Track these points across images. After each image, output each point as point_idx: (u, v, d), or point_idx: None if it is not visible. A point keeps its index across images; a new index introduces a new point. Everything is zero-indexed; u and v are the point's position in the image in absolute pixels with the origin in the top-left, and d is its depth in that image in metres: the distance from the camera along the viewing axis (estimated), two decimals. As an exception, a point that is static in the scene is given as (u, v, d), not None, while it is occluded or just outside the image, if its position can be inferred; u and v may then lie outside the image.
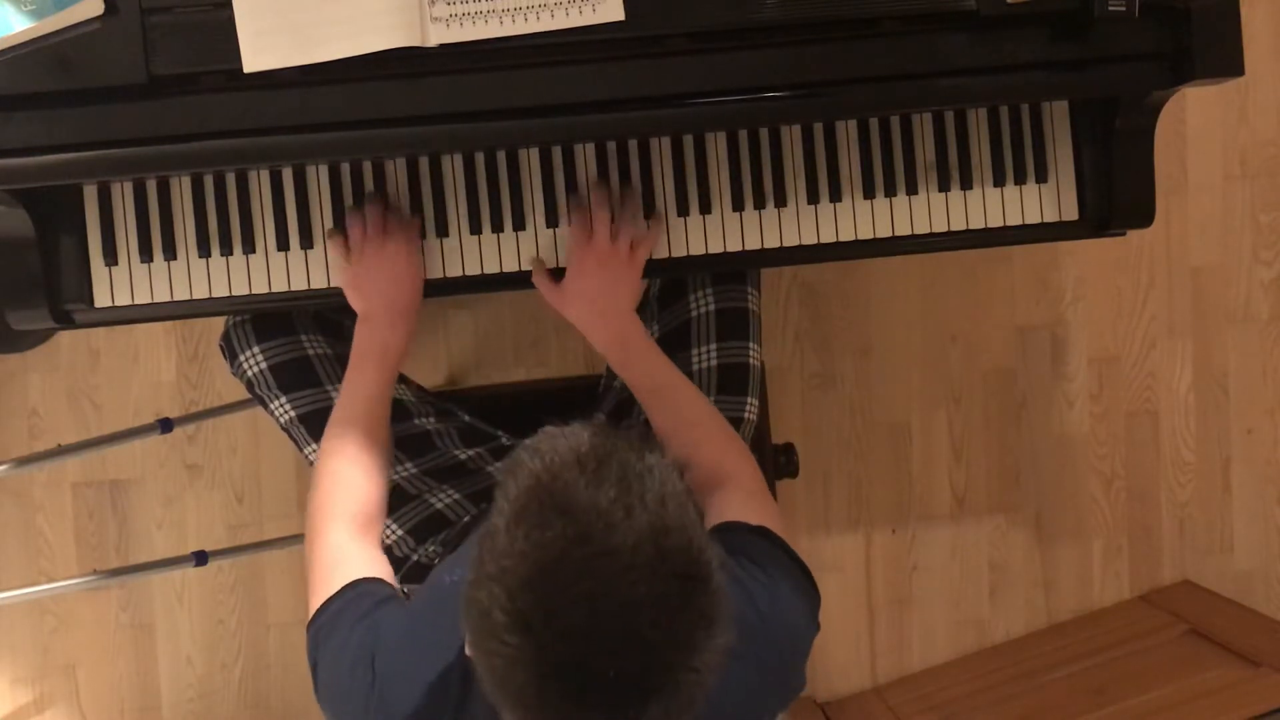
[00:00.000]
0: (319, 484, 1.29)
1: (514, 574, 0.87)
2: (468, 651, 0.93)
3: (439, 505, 1.51)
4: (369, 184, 1.40)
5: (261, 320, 1.48)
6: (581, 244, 1.35)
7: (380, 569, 1.22)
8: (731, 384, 1.48)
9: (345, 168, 1.40)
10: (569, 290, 1.36)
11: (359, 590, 1.16)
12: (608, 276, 1.34)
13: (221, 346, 1.52)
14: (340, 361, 1.49)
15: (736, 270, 1.52)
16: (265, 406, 1.50)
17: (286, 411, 1.47)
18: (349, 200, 1.40)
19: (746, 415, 1.49)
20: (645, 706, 0.88)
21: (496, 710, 0.92)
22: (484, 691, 0.92)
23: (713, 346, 1.50)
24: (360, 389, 1.34)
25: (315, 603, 1.18)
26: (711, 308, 1.51)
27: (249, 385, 1.50)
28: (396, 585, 1.22)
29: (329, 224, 1.40)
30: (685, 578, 0.88)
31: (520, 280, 1.42)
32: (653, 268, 1.42)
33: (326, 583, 1.18)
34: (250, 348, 1.47)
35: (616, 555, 0.86)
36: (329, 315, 1.53)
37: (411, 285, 1.36)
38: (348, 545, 1.23)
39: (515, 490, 0.90)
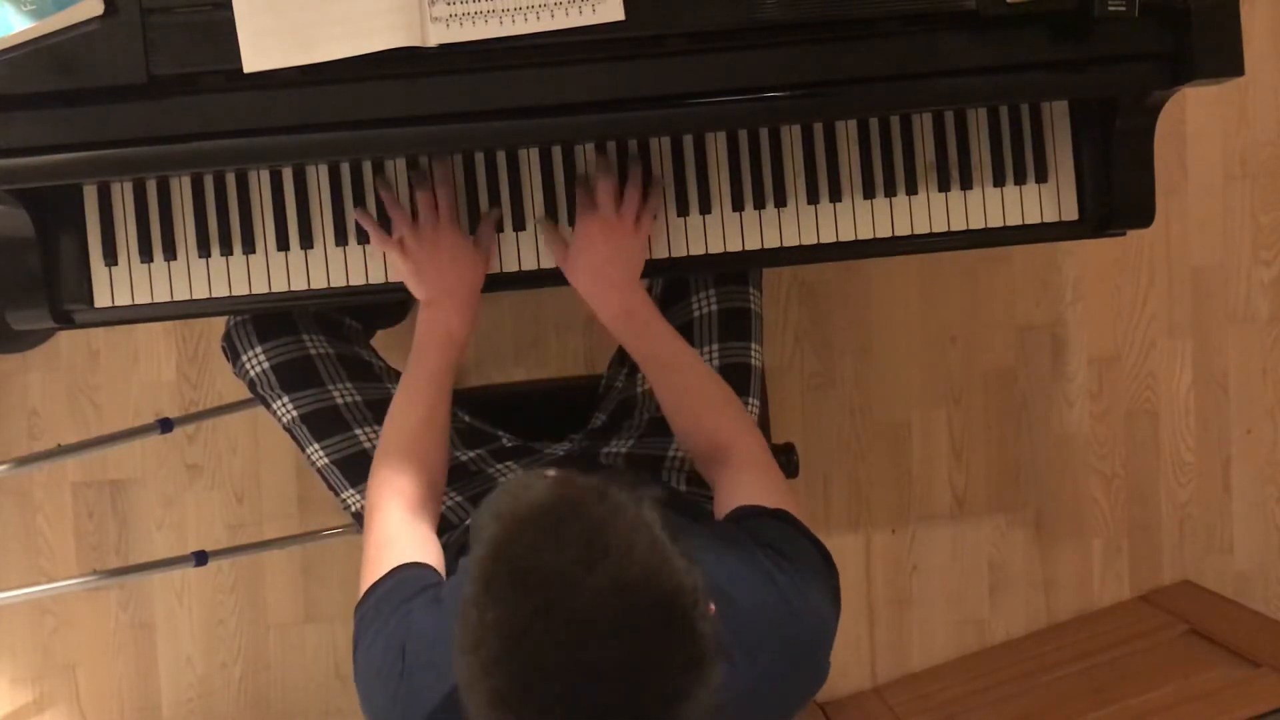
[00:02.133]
0: (378, 464, 1.32)
1: (486, 649, 0.86)
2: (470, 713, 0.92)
3: (441, 508, 1.51)
4: (369, 184, 1.40)
5: (263, 320, 1.48)
6: (587, 215, 1.35)
7: (430, 551, 1.24)
8: (734, 385, 1.47)
9: (345, 168, 1.40)
10: (576, 261, 1.36)
11: (402, 577, 1.18)
12: (612, 246, 1.34)
13: (223, 347, 1.52)
14: (341, 361, 1.50)
15: (738, 271, 1.52)
16: (268, 406, 1.50)
17: (289, 411, 1.47)
18: (349, 200, 1.40)
19: (749, 413, 1.49)
20: None
21: None
22: None
23: (715, 347, 1.50)
24: (422, 372, 1.34)
25: (365, 584, 1.20)
26: (714, 308, 1.51)
27: (251, 385, 1.50)
28: (443, 569, 1.23)
29: (329, 224, 1.40)
30: (661, 630, 0.86)
31: (521, 280, 1.42)
32: (652, 268, 1.42)
33: (376, 563, 1.21)
34: (253, 347, 1.47)
35: (581, 623, 0.84)
36: (329, 315, 1.53)
37: (471, 267, 1.35)
38: (400, 525, 1.25)
39: (479, 556, 0.89)
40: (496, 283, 1.42)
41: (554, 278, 1.42)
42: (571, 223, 1.40)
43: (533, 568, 0.85)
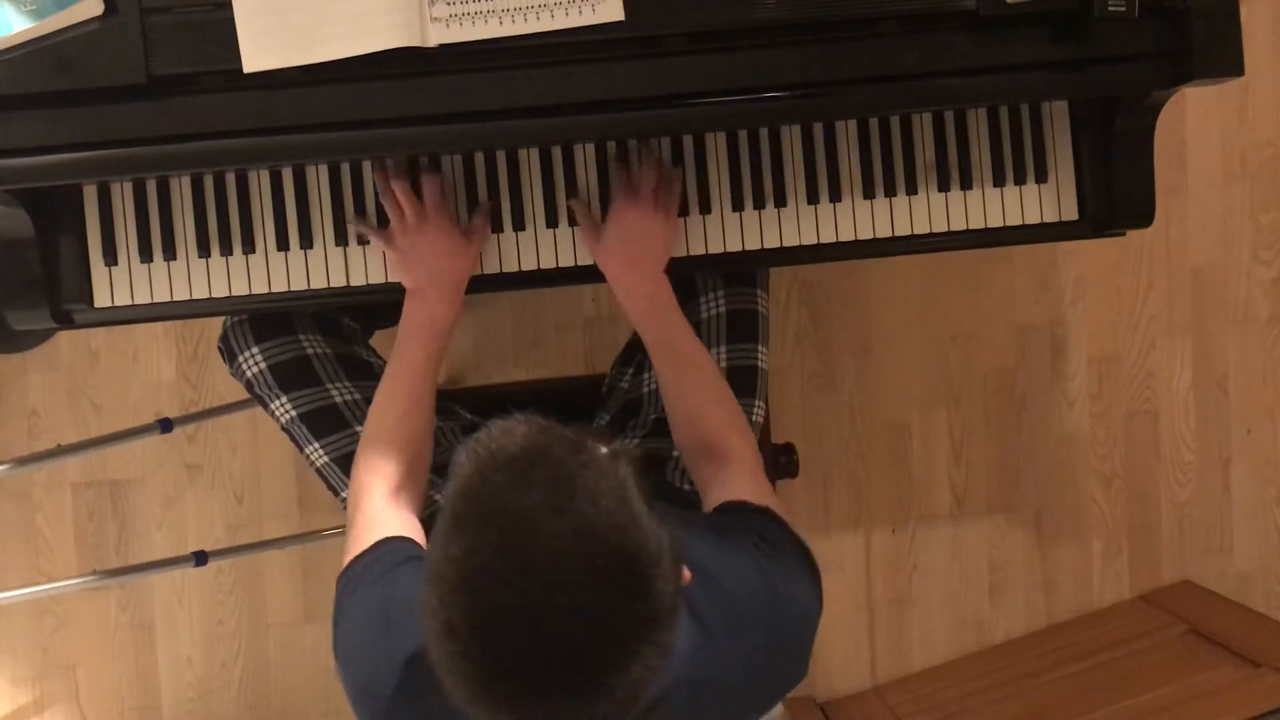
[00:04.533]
0: (361, 451, 1.33)
1: (446, 580, 0.88)
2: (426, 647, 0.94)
3: (423, 495, 1.52)
4: (369, 184, 1.40)
5: (260, 320, 1.48)
6: (624, 198, 1.36)
7: (412, 530, 1.25)
8: (740, 386, 1.48)
9: (345, 168, 1.40)
10: (607, 241, 1.36)
11: (386, 548, 1.19)
12: (645, 231, 1.35)
13: (220, 347, 1.52)
14: (339, 361, 1.50)
15: (738, 270, 1.52)
16: (265, 407, 1.50)
17: (287, 411, 1.47)
18: (349, 200, 1.40)
19: (754, 418, 1.50)
20: (580, 714, 0.88)
21: None
22: None
23: (722, 349, 1.50)
24: (405, 363, 1.35)
25: (347, 558, 1.21)
26: (722, 309, 1.51)
27: (248, 385, 1.50)
28: (425, 547, 1.24)
29: (329, 224, 1.40)
30: (616, 582, 0.87)
31: (522, 281, 1.42)
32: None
33: (359, 540, 1.22)
34: (249, 348, 1.47)
35: (539, 566, 0.86)
36: (326, 315, 1.53)
37: (454, 257, 1.35)
38: (384, 510, 1.26)
39: (451, 493, 0.91)
40: (498, 283, 1.42)
41: (554, 278, 1.42)
42: (574, 223, 1.40)
43: (499, 508, 0.87)
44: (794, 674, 1.18)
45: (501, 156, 1.41)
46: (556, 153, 1.41)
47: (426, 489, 1.38)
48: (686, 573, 0.97)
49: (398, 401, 1.33)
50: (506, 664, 0.86)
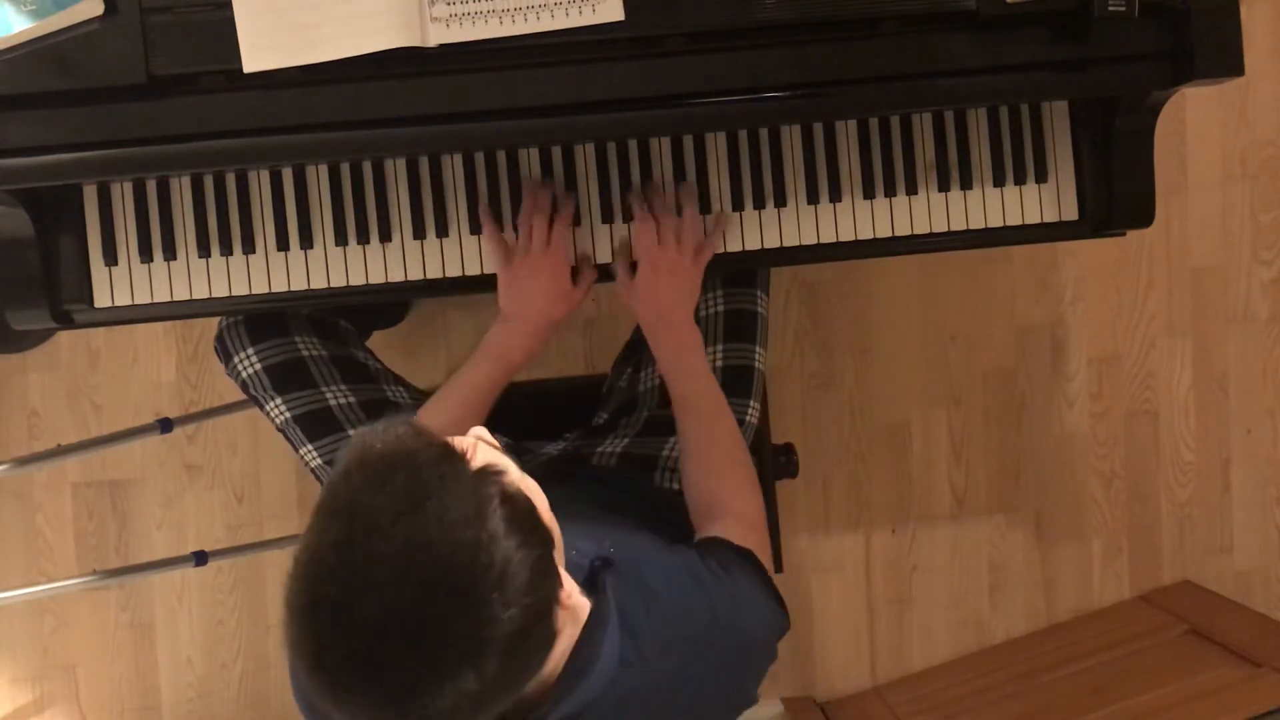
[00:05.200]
0: None
1: (296, 561, 0.90)
2: None
3: None
4: (369, 184, 1.40)
5: (255, 321, 1.48)
6: (650, 250, 1.36)
7: None
8: (735, 386, 1.48)
9: (345, 168, 1.40)
10: (639, 294, 1.38)
11: None
12: (675, 284, 1.36)
13: (216, 348, 1.52)
14: (335, 363, 1.50)
15: (738, 270, 1.52)
16: (261, 408, 1.50)
17: (282, 412, 1.47)
18: (349, 200, 1.40)
19: (749, 419, 1.49)
20: (394, 716, 0.88)
21: None
22: None
23: (718, 348, 1.50)
24: (469, 378, 1.36)
25: None
26: (720, 309, 1.51)
27: (244, 386, 1.50)
28: None
29: (329, 224, 1.40)
30: (441, 597, 0.86)
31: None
32: (653, 268, 1.42)
33: None
34: (245, 349, 1.47)
35: (366, 567, 0.86)
36: (323, 316, 1.53)
37: (556, 303, 1.36)
38: None
39: (327, 480, 0.92)
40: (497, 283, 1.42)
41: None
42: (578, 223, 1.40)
43: (349, 505, 0.88)
44: (735, 699, 1.16)
45: (502, 157, 1.41)
46: (556, 153, 1.41)
47: None
48: (574, 602, 0.97)
49: (449, 410, 1.35)
50: (322, 657, 0.87)
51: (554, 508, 0.99)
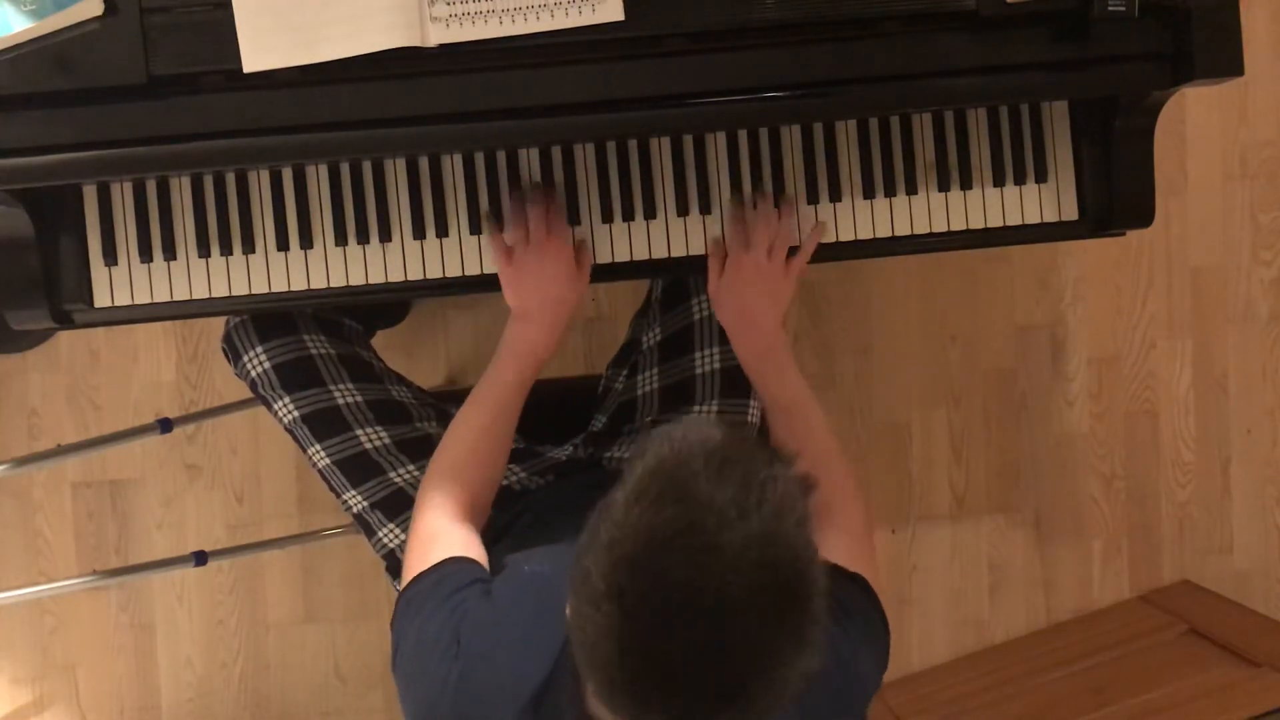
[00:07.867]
0: (434, 464, 1.33)
1: (621, 547, 0.89)
2: (567, 615, 0.94)
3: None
4: (369, 184, 1.40)
5: (263, 320, 1.48)
6: (740, 254, 1.36)
7: (475, 550, 1.25)
8: (735, 387, 1.48)
9: (345, 168, 1.40)
10: (724, 296, 1.37)
11: (450, 569, 1.20)
12: (763, 289, 1.36)
13: (224, 348, 1.52)
14: (342, 362, 1.50)
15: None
16: (269, 407, 1.50)
17: (290, 411, 1.47)
18: (349, 200, 1.40)
19: (750, 419, 1.49)
20: (714, 712, 0.88)
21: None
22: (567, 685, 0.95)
23: (715, 350, 1.49)
24: (497, 382, 1.35)
25: (409, 574, 1.21)
26: None
27: (253, 385, 1.50)
28: (487, 568, 1.24)
29: (329, 224, 1.40)
30: (785, 591, 0.88)
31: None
32: (653, 268, 1.42)
33: (422, 556, 1.22)
34: (254, 348, 1.47)
35: (721, 552, 0.87)
36: (328, 315, 1.53)
37: (571, 289, 1.35)
38: (447, 523, 1.27)
39: (641, 469, 0.92)
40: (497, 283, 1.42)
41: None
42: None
43: (691, 492, 0.88)
44: None
45: (502, 157, 1.41)
46: (556, 153, 1.41)
47: (490, 507, 1.37)
48: None
49: (478, 420, 1.34)
50: (662, 639, 0.87)
51: None
